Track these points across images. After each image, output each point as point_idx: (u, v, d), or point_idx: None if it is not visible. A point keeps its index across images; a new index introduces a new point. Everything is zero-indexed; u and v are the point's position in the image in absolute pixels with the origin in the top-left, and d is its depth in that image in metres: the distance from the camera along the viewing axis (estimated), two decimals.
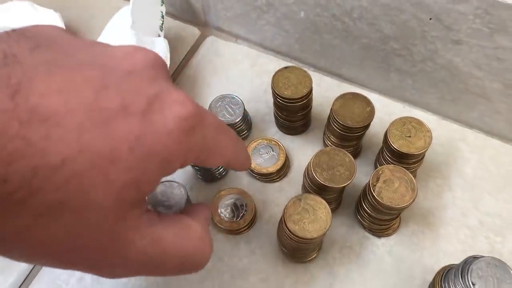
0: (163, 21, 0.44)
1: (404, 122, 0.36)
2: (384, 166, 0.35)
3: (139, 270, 0.21)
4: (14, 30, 0.19)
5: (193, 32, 0.50)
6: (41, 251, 0.18)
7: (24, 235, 0.17)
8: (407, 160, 0.36)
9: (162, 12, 0.44)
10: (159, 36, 0.44)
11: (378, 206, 0.34)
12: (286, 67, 0.39)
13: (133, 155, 0.18)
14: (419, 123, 0.36)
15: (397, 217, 0.37)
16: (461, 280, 0.30)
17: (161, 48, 0.43)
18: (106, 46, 0.21)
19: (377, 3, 0.36)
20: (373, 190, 0.34)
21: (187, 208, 0.24)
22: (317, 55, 0.45)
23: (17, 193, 0.16)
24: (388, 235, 0.38)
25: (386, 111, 0.44)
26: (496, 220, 0.38)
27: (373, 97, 0.45)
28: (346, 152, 0.36)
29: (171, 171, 0.21)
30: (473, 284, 0.29)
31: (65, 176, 0.16)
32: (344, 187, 0.35)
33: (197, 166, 0.39)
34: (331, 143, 0.41)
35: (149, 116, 0.19)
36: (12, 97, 0.16)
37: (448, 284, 0.32)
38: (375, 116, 0.37)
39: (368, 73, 0.44)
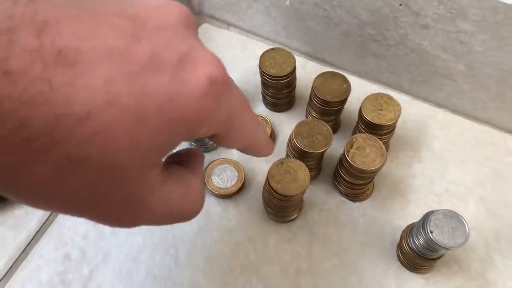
0: None
1: (376, 97, 0.41)
2: (357, 134, 0.39)
3: (145, 223, 0.21)
4: None
5: None
6: (60, 203, 0.17)
7: (44, 187, 0.16)
8: (379, 131, 0.40)
9: None
10: None
11: (351, 169, 0.38)
12: (272, 49, 0.43)
13: (161, 117, 0.17)
14: (390, 98, 0.41)
15: (370, 182, 0.41)
16: (421, 231, 0.34)
17: None
18: None
19: None
20: (347, 156, 0.38)
21: (187, 156, 0.24)
22: (302, 41, 0.49)
23: (37, 141, 0.15)
24: (362, 199, 0.42)
25: (364, 91, 0.48)
26: (460, 188, 0.43)
27: (352, 79, 0.49)
28: (324, 122, 0.40)
29: (194, 137, 0.20)
30: (431, 232, 0.33)
31: (90, 130, 0.15)
32: (322, 153, 0.39)
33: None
34: (312, 117, 0.45)
35: (181, 74, 0.17)
36: (38, 35, 0.14)
37: (412, 237, 0.37)
38: (353, 96, 0.41)
39: (348, 58, 0.48)
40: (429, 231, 0.33)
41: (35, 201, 0.17)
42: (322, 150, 0.39)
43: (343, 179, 0.40)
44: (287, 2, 0.46)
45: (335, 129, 0.46)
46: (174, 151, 0.21)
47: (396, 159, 0.45)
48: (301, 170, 0.37)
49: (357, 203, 0.42)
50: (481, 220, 0.41)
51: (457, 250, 0.40)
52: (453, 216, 0.34)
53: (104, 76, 0.15)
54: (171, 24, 0.19)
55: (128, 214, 0.19)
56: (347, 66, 0.49)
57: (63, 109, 0.15)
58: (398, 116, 0.40)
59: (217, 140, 0.22)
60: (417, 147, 0.45)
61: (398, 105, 0.40)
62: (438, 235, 0.33)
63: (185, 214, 0.22)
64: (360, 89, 0.48)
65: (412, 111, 0.47)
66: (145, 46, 0.17)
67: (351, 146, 0.38)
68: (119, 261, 0.40)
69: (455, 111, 0.47)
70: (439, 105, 0.47)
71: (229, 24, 0.54)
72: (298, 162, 0.38)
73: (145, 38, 0.17)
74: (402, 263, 0.39)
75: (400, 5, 0.40)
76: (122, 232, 0.41)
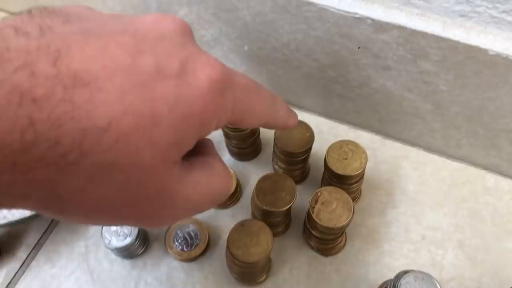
0: None
1: (341, 145, 0.39)
2: (322, 188, 0.37)
3: (183, 214, 0.23)
4: (44, 8, 0.20)
5: None
6: (96, 210, 0.19)
7: (79, 195, 0.18)
8: (346, 181, 0.38)
9: None
10: None
11: (317, 227, 0.36)
12: None
13: (173, 116, 0.19)
14: (355, 145, 0.38)
15: (341, 236, 0.39)
16: None
17: None
18: (133, 15, 0.22)
19: (310, 36, 0.39)
20: (312, 212, 0.36)
21: (198, 146, 0.24)
22: (266, 85, 0.47)
23: (69, 154, 0.16)
24: (335, 253, 0.40)
25: (333, 133, 0.46)
26: (437, 234, 0.40)
27: (320, 120, 0.48)
28: (287, 176, 0.38)
29: (207, 131, 0.21)
30: None
31: (113, 138, 0.17)
32: (287, 210, 0.37)
33: None
34: (278, 167, 0.43)
35: (184, 78, 0.19)
36: (54, 63, 0.16)
37: None
38: (322, 138, 0.39)
39: (313, 99, 0.46)
40: None
41: (75, 212, 0.19)
42: (286, 208, 0.36)
43: (312, 234, 0.38)
44: (246, 48, 0.44)
45: (303, 177, 0.44)
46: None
47: (369, 205, 0.42)
48: (264, 233, 0.35)
49: (329, 258, 0.40)
50: (461, 268, 0.39)
51: None
52: (425, 278, 0.31)
53: (117, 89, 0.17)
54: (169, 34, 0.21)
55: (164, 207, 0.21)
56: (314, 108, 0.47)
57: (86, 123, 0.16)
58: (365, 164, 0.37)
59: (233, 125, 0.24)
60: (390, 191, 0.43)
61: (364, 152, 0.38)
62: None
63: (220, 192, 0.24)
64: (329, 131, 0.46)
65: (383, 152, 0.45)
66: (148, 58, 0.19)
67: (316, 202, 0.36)
68: None
69: (429, 149, 0.45)
70: (411, 144, 0.45)
71: None
72: (260, 223, 0.35)
73: (148, 51, 0.19)
74: None
75: (359, 48, 0.38)
76: None
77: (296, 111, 0.48)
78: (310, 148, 0.40)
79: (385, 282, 0.36)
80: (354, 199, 0.42)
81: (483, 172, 0.44)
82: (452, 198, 0.42)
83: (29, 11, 0.19)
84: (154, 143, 0.18)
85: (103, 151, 0.17)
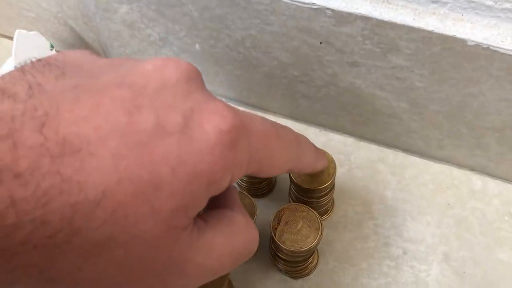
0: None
1: None
2: (285, 205, 0.32)
3: (199, 282, 0.21)
4: (39, 60, 0.18)
5: None
6: None
7: (73, 275, 0.16)
8: (314, 195, 0.34)
9: (52, 45, 0.41)
10: None
11: (282, 250, 0.31)
12: None
13: (177, 178, 0.17)
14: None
15: (310, 257, 0.34)
16: None
17: None
18: (134, 62, 0.20)
19: (266, 31, 0.34)
20: (274, 234, 0.31)
21: (219, 197, 0.22)
22: (225, 86, 0.43)
23: (59, 234, 0.15)
24: (306, 275, 0.35)
25: None
26: (420, 247, 0.36)
27: (287, 123, 0.42)
28: (245, 194, 0.33)
29: (220, 189, 0.19)
30: None
31: (108, 210, 0.15)
32: None
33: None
34: (241, 181, 0.38)
35: (188, 133, 0.18)
36: (40, 130, 0.15)
37: None
38: None
39: (278, 101, 0.41)
40: None
41: None
42: None
43: (279, 257, 0.33)
44: (197, 47, 0.39)
45: (270, 189, 0.39)
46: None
47: (344, 217, 0.38)
48: None
49: (300, 281, 0.35)
50: (447, 285, 0.35)
51: None
52: None
53: (112, 154, 0.16)
54: (170, 83, 0.19)
55: (175, 279, 0.19)
56: (280, 110, 0.43)
57: (77, 196, 0.15)
58: (333, 175, 0.33)
59: (254, 175, 0.22)
60: (367, 200, 0.38)
61: (333, 161, 0.33)
62: None
63: (242, 252, 0.22)
64: None
65: (358, 156, 0.41)
66: (147, 114, 0.17)
67: (279, 222, 0.32)
68: None
69: (408, 151, 0.40)
70: (388, 145, 0.41)
71: None
72: None
73: (146, 106, 0.17)
74: None
75: (321, 43, 0.33)
76: None
77: (261, 113, 0.43)
78: None
79: None
80: (326, 212, 0.37)
81: (469, 173, 0.39)
82: (436, 205, 0.38)
83: (22, 66, 0.18)
84: (156, 212, 0.17)
85: (97, 226, 0.15)
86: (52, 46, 0.41)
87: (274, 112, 0.43)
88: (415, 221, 0.37)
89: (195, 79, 0.20)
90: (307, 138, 0.27)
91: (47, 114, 0.15)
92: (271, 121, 0.23)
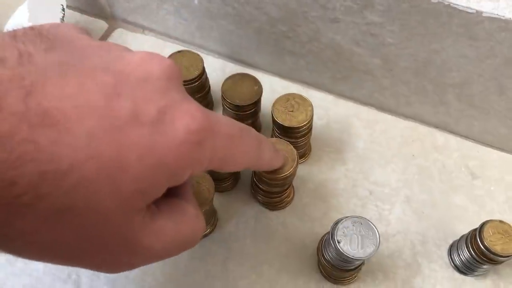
0: (64, 14, 0.45)
1: (288, 98, 0.38)
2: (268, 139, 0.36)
3: (144, 262, 0.22)
4: (31, 28, 0.19)
5: (101, 25, 0.51)
6: (48, 253, 0.18)
7: (32, 237, 0.17)
8: (293, 133, 0.38)
9: (62, 5, 0.45)
10: None
11: (263, 177, 0.35)
12: (179, 51, 0.40)
13: (142, 164, 0.18)
14: (302, 98, 0.38)
15: (288, 188, 0.38)
16: (331, 241, 0.31)
17: None
18: (122, 50, 0.21)
19: None
20: None
21: (174, 188, 0.23)
22: (218, 42, 0.46)
23: (24, 196, 0.15)
24: (281, 208, 0.40)
25: (286, 92, 0.46)
26: (385, 189, 0.40)
27: (273, 80, 0.47)
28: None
29: (179, 181, 0.20)
30: (339, 242, 0.30)
31: (73, 182, 0.16)
32: None
33: None
34: None
35: (160, 127, 0.19)
36: (24, 99, 0.15)
37: (324, 247, 0.34)
38: (275, 98, 0.38)
39: (266, 57, 0.45)
40: (336, 241, 0.30)
41: (28, 251, 0.18)
42: None
43: (259, 187, 0.37)
44: (196, 1, 0.43)
45: None
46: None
47: (318, 162, 0.42)
48: (205, 182, 0.34)
49: (276, 212, 0.39)
50: (407, 223, 0.39)
51: (382, 257, 0.37)
52: (363, 223, 0.31)
53: (86, 132, 0.17)
54: (152, 77, 0.20)
55: (124, 255, 0.20)
56: (267, 67, 0.47)
57: (47, 166, 0.16)
58: (310, 117, 0.37)
59: (213, 169, 0.23)
60: (340, 148, 0.43)
61: (310, 105, 0.37)
62: (346, 245, 0.30)
63: (188, 240, 0.23)
64: (282, 90, 0.46)
65: (336, 111, 0.45)
66: (125, 102, 0.18)
67: None
68: None
69: (380, 108, 0.45)
70: (363, 102, 0.45)
71: (143, 28, 0.51)
72: (202, 174, 0.35)
73: (126, 94, 0.18)
74: (323, 275, 0.36)
75: None
76: (20, 260, 0.37)
77: (250, 70, 0.47)
78: (258, 101, 0.39)
79: (327, 233, 0.35)
80: (304, 155, 0.41)
81: (433, 130, 0.44)
82: (402, 155, 0.42)
83: (14, 32, 0.18)
84: (117, 191, 0.18)
85: (61, 195, 0.16)
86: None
87: (262, 69, 0.47)
88: (382, 168, 0.42)
89: (175, 78, 0.21)
90: (267, 139, 0.29)
91: (32, 85, 0.16)
92: (237, 123, 0.25)
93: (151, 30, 0.50)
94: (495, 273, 0.37)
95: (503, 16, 0.32)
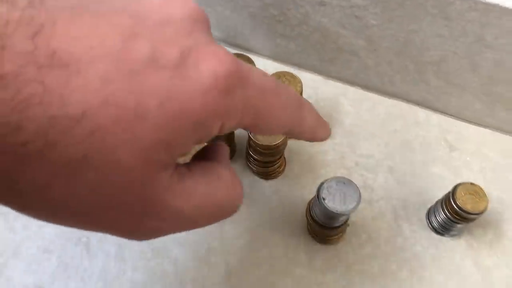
0: None
1: (279, 75, 0.41)
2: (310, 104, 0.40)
3: (172, 229, 0.20)
4: None
5: None
6: (63, 209, 0.17)
7: (44, 191, 0.16)
8: None
9: None
10: None
11: (257, 148, 0.39)
12: None
13: (163, 111, 0.16)
14: (292, 76, 0.41)
15: (280, 159, 0.42)
16: (317, 200, 0.35)
17: None
18: None
19: None
20: (250, 135, 0.39)
21: (209, 150, 0.22)
22: (216, 27, 0.50)
23: (32, 143, 0.14)
24: (274, 177, 0.43)
25: None
26: (369, 161, 0.44)
27: (267, 62, 0.50)
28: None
29: (207, 135, 0.18)
30: (323, 199, 0.34)
31: (87, 130, 0.15)
32: (229, 134, 0.40)
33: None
34: None
35: (182, 71, 0.17)
36: (32, 38, 0.14)
37: (312, 208, 0.37)
38: None
39: (260, 41, 0.49)
40: (321, 198, 0.34)
41: (38, 209, 0.17)
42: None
43: (253, 158, 0.41)
44: None
45: None
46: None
47: None
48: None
49: (270, 181, 0.43)
50: (389, 190, 0.42)
51: (366, 220, 0.41)
52: (346, 183, 0.34)
53: (100, 76, 0.15)
54: (175, 19, 0.18)
55: (147, 218, 0.18)
56: (261, 50, 0.50)
57: (56, 111, 0.14)
58: (300, 92, 0.41)
59: (248, 130, 0.21)
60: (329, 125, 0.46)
61: (300, 82, 0.41)
62: (330, 202, 0.33)
63: (223, 207, 0.21)
64: (275, 72, 0.49)
65: (325, 91, 0.48)
66: (144, 44, 0.16)
67: None
68: (30, 253, 0.39)
69: (365, 87, 0.48)
70: (350, 82, 0.48)
71: None
72: None
73: (145, 35, 0.17)
74: (312, 236, 0.40)
75: None
76: (34, 223, 0.41)
77: (245, 53, 0.51)
78: None
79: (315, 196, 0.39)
80: None
81: (415, 108, 0.47)
82: (385, 130, 0.46)
83: None
84: (136, 140, 0.16)
85: (73, 144, 0.15)
86: None
87: (257, 53, 0.51)
88: (367, 141, 0.45)
89: (201, 21, 0.19)
90: (310, 104, 0.26)
91: (42, 25, 0.15)
92: (272, 77, 0.22)
93: None
94: (469, 233, 0.40)
95: None
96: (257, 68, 0.21)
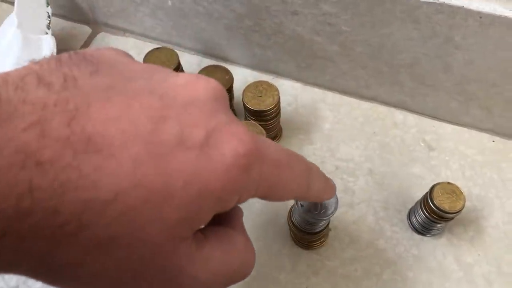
0: (49, 20, 0.48)
1: (257, 85, 0.42)
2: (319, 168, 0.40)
3: None
4: (76, 53, 0.19)
5: (85, 30, 0.55)
6: (90, 284, 0.18)
7: (73, 268, 0.17)
8: (262, 117, 0.42)
9: (48, 12, 0.49)
10: (47, 34, 0.48)
11: None
12: (157, 48, 0.44)
13: (187, 191, 0.17)
14: (269, 85, 0.42)
15: None
16: (296, 206, 0.35)
17: (48, 45, 0.47)
18: (166, 73, 0.21)
19: None
20: None
21: (223, 215, 0.23)
22: (193, 39, 0.51)
23: (67, 226, 0.15)
24: None
25: None
26: (349, 164, 0.44)
27: (246, 72, 0.51)
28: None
29: (225, 208, 0.20)
30: (301, 205, 0.34)
31: (117, 211, 0.16)
32: None
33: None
34: None
35: (207, 151, 0.18)
36: (68, 124, 0.15)
37: (292, 214, 0.38)
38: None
39: (237, 51, 0.49)
40: (300, 204, 0.34)
41: (67, 284, 0.18)
42: None
43: None
44: (169, 3, 0.47)
45: None
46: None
47: (289, 143, 0.46)
48: None
49: None
50: (370, 192, 0.43)
51: (348, 223, 0.41)
52: None
53: (132, 159, 0.16)
54: (198, 100, 0.19)
55: (168, 286, 0.19)
56: (239, 60, 0.51)
57: (90, 194, 0.15)
58: (278, 101, 0.41)
59: (260, 198, 0.22)
60: (308, 130, 0.47)
61: (276, 90, 0.41)
62: (307, 208, 0.34)
63: (237, 272, 0.22)
64: (254, 81, 0.50)
65: (304, 97, 0.49)
66: (172, 126, 0.17)
67: None
68: None
69: (343, 92, 0.49)
70: (328, 88, 0.49)
71: (124, 31, 0.55)
72: None
73: (173, 117, 0.18)
74: (294, 242, 0.40)
75: None
76: None
77: (224, 64, 0.51)
78: (230, 89, 0.43)
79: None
80: (275, 137, 0.45)
81: (392, 109, 0.48)
82: (364, 133, 0.46)
83: (59, 57, 0.18)
84: (162, 220, 0.17)
85: (104, 225, 0.16)
86: (48, 3, 0.48)
87: (235, 62, 0.51)
88: (347, 145, 0.46)
89: (222, 99, 0.20)
90: (318, 168, 0.27)
91: (77, 109, 0.16)
92: (285, 149, 0.23)
93: (131, 32, 0.54)
94: (449, 232, 0.41)
95: (437, 0, 0.36)
96: (271, 141, 0.23)
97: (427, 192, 0.38)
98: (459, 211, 0.36)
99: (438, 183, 0.38)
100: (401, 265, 0.39)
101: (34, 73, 0.16)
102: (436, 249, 0.40)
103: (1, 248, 0.15)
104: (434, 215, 0.37)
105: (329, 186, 0.29)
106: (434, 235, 0.40)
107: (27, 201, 0.14)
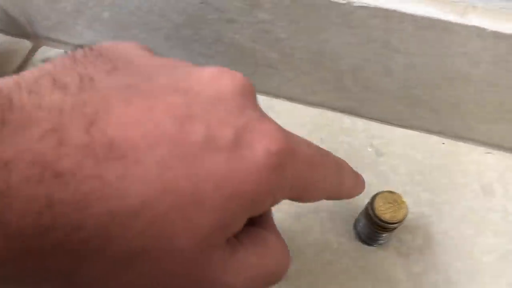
0: None
1: None
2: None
3: None
4: (90, 49, 0.18)
5: (26, 44, 0.53)
6: None
7: (100, 283, 0.15)
8: None
9: None
10: None
11: None
12: None
13: (219, 195, 0.16)
14: None
15: None
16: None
17: None
18: (189, 66, 0.20)
19: None
20: None
21: (255, 218, 0.22)
22: None
23: (92, 241, 0.14)
24: None
25: None
26: None
27: None
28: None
29: (260, 211, 0.19)
30: None
31: (145, 221, 0.15)
32: None
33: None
34: None
35: (237, 151, 0.17)
36: (87, 129, 0.14)
37: None
38: None
39: None
40: None
41: None
42: None
43: None
44: (106, 14, 0.45)
45: None
46: None
47: None
48: None
49: None
50: (316, 203, 0.41)
51: (295, 236, 0.40)
52: None
53: (158, 163, 0.15)
54: (225, 96, 0.18)
55: None
56: None
57: (115, 204, 0.14)
58: None
59: (293, 199, 0.21)
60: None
61: None
62: None
63: (272, 274, 0.21)
64: None
65: None
66: (199, 125, 0.16)
67: None
68: None
69: (290, 99, 0.48)
70: (275, 95, 0.48)
71: (66, 44, 0.53)
72: None
73: (199, 116, 0.16)
74: None
75: (202, 3, 0.40)
76: None
77: None
78: None
79: None
80: None
81: (340, 115, 0.47)
82: (312, 140, 0.44)
83: (73, 54, 0.17)
84: (193, 228, 0.16)
85: (132, 237, 0.15)
86: None
87: None
88: None
89: (249, 93, 0.19)
90: (346, 163, 0.26)
91: (96, 112, 0.14)
92: (316, 145, 0.23)
93: (73, 45, 0.52)
94: (398, 240, 0.40)
95: (370, 4, 0.35)
96: (303, 139, 0.22)
97: (368, 202, 0.37)
98: (401, 221, 0.35)
99: (379, 193, 0.36)
100: (347, 278, 0.38)
101: (48, 74, 0.15)
102: (384, 259, 0.39)
103: (22, 270, 0.14)
104: (376, 225, 0.36)
105: (360, 181, 0.28)
106: (381, 244, 0.39)
107: (47, 217, 0.13)
